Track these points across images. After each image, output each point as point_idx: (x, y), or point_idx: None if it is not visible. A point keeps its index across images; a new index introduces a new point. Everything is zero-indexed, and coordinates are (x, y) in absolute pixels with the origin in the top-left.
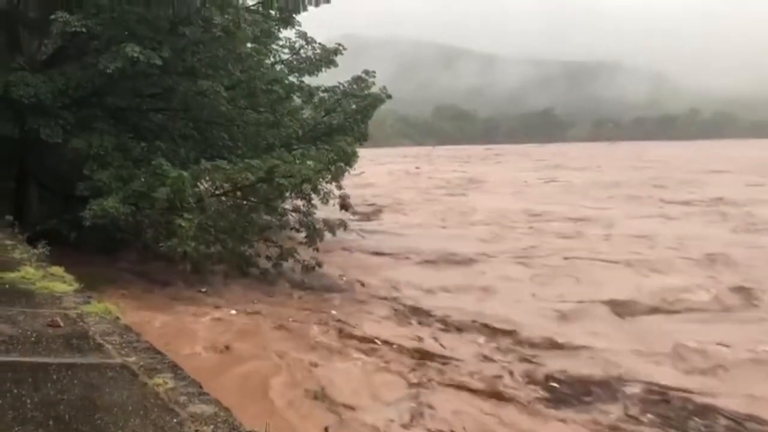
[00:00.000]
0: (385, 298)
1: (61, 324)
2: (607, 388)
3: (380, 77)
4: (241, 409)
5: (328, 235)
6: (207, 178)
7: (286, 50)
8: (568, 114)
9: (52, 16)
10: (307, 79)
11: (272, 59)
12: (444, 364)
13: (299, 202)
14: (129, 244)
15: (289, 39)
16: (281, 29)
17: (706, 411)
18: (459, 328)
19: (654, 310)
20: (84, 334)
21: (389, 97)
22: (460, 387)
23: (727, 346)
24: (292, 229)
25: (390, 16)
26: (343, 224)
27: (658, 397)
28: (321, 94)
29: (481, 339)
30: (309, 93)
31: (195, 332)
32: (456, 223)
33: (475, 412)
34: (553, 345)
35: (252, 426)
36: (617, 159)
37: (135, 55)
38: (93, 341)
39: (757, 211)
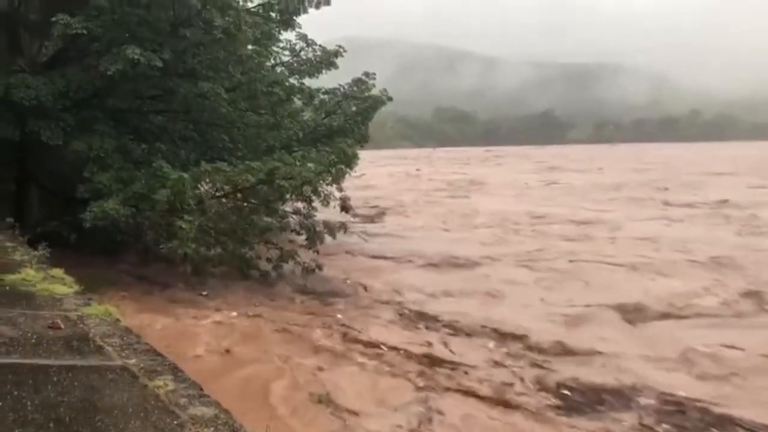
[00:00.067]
0: (389, 302)
1: (62, 326)
2: (619, 396)
3: (380, 79)
4: (242, 413)
5: (329, 238)
6: (207, 179)
7: (287, 52)
8: (568, 116)
9: (53, 18)
10: (308, 81)
11: (273, 61)
12: (452, 369)
13: (300, 205)
14: (129, 246)
15: (290, 41)
16: (282, 31)
17: (724, 421)
18: (467, 333)
19: (663, 315)
20: (84, 336)
21: (390, 99)
22: (469, 393)
23: (741, 350)
24: (292, 231)
25: (390, 18)
26: (344, 227)
27: (673, 407)
28: (321, 96)
29: (491, 344)
30: (309, 95)
31: (196, 335)
32: (458, 226)
33: (485, 419)
34: (563, 350)
35: (253, 429)
36: (618, 161)
37: (136, 57)
38: (93, 343)
39: (761, 214)
